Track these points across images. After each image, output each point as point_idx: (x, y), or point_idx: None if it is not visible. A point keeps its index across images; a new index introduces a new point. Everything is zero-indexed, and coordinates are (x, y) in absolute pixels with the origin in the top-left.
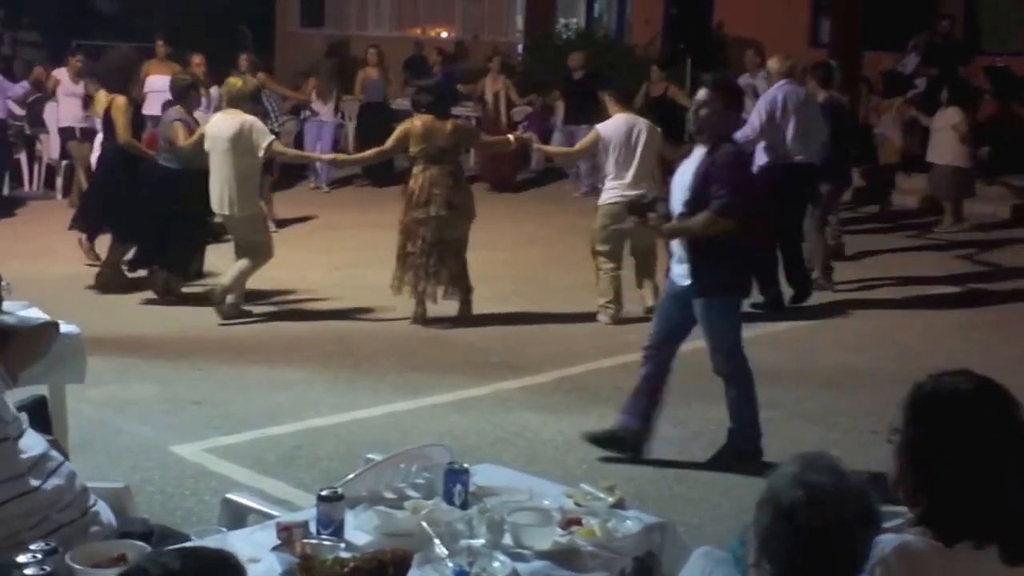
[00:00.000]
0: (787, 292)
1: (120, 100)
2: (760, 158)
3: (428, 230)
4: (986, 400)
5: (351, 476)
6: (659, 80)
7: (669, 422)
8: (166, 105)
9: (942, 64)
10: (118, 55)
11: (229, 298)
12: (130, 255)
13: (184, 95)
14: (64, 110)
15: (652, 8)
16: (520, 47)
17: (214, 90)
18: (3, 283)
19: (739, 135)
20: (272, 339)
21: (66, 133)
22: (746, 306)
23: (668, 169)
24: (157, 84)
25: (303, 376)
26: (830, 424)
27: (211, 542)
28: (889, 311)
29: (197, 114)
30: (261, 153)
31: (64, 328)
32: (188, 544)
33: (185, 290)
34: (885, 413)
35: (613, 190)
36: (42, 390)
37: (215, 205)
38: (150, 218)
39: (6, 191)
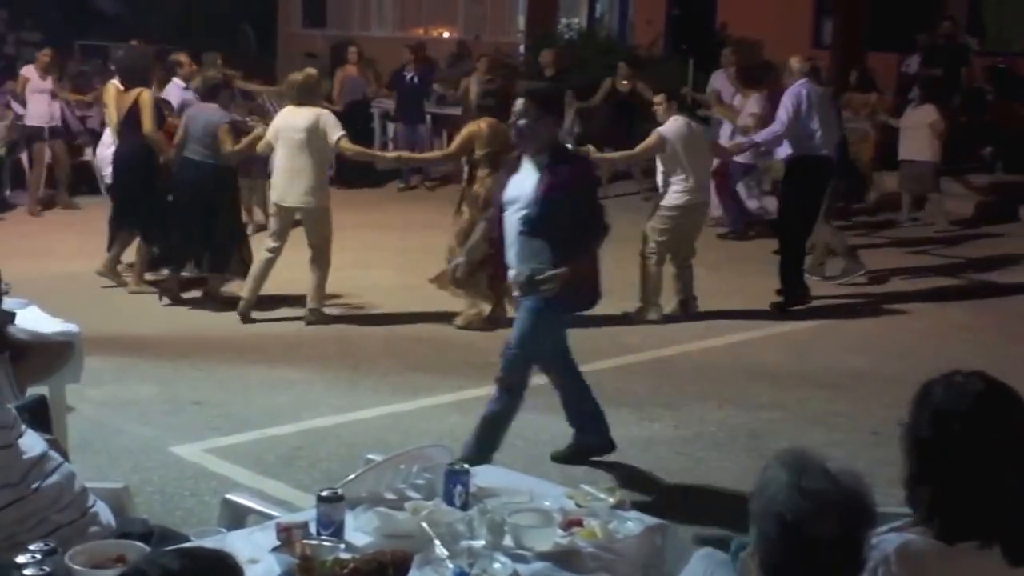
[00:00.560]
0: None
1: (147, 94)
2: (785, 150)
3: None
4: (995, 401)
5: (351, 477)
6: (627, 75)
7: (669, 423)
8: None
9: (944, 65)
10: (137, 51)
11: (312, 303)
12: (150, 250)
13: (214, 94)
14: (33, 108)
15: (654, 8)
16: (522, 47)
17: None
18: (3, 284)
19: (766, 131)
20: (272, 339)
21: (33, 133)
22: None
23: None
24: None
25: (303, 376)
26: (832, 425)
27: (210, 543)
28: (890, 311)
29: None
30: (332, 146)
31: (63, 327)
32: (186, 545)
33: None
34: (887, 414)
35: (677, 192)
36: (42, 390)
37: (278, 197)
38: (186, 216)
39: (7, 191)
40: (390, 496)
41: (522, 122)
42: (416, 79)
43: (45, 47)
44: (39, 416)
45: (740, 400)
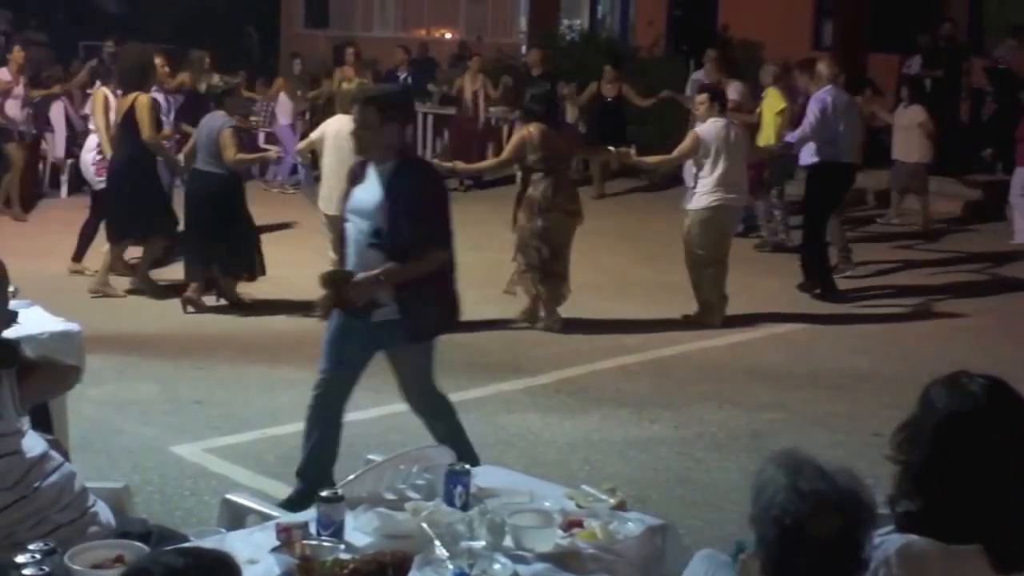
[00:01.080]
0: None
1: (144, 98)
2: (808, 157)
3: (550, 236)
4: (998, 403)
5: (351, 477)
6: (613, 79)
7: (670, 423)
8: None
9: (945, 66)
10: (133, 53)
11: None
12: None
13: (221, 102)
14: (8, 110)
15: (655, 10)
16: (524, 48)
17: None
18: (11, 288)
19: (792, 135)
20: (273, 339)
21: (3, 134)
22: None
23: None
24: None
25: (304, 376)
26: (833, 426)
27: (210, 543)
28: (891, 312)
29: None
30: None
31: (64, 326)
32: (187, 544)
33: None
34: (888, 415)
35: (711, 194)
36: None
37: (326, 205)
38: (200, 227)
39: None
40: (390, 496)
41: (362, 131)
42: (409, 79)
43: (50, 48)
44: (39, 416)
45: (741, 400)
